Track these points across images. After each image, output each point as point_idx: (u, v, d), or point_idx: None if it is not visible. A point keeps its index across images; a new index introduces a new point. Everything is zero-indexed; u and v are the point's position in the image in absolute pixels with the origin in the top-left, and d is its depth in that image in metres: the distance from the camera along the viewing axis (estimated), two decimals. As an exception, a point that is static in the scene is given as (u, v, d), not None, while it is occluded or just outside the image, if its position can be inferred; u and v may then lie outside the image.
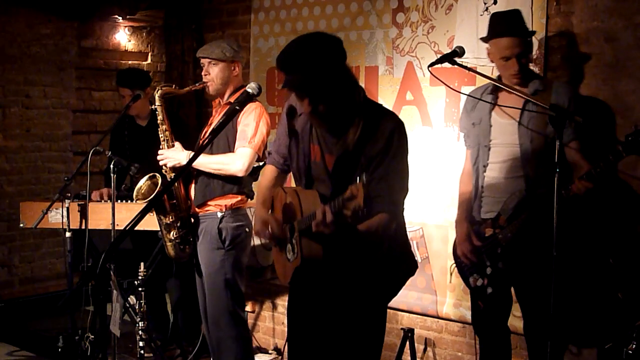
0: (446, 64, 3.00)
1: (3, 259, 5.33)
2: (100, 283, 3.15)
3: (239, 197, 3.67)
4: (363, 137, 2.47)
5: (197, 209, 3.70)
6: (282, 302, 4.74)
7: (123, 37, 5.86)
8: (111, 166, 3.85)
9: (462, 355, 3.96)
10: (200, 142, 3.71)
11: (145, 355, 3.83)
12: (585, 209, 3.24)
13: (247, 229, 3.68)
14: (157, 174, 3.72)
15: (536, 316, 3.15)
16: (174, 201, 3.65)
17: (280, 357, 4.64)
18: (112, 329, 3.46)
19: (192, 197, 3.71)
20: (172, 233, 3.68)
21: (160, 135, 3.74)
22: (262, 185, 2.89)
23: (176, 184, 3.63)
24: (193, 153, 3.27)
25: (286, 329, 2.95)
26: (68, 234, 4.09)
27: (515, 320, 3.49)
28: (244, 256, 3.74)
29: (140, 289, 3.81)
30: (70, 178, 4.08)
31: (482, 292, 3.24)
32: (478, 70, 3.39)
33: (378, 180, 2.47)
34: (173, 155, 3.67)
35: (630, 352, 2.90)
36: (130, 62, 5.78)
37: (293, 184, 2.80)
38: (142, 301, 3.80)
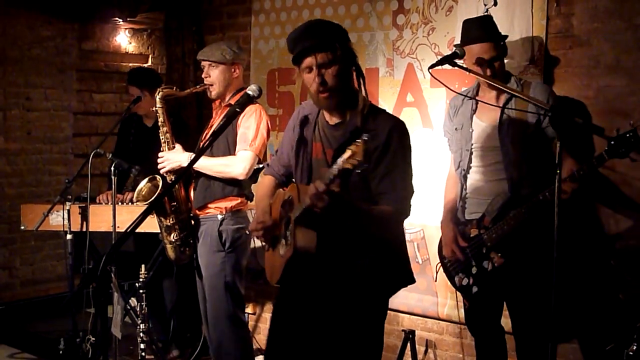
0: (446, 66, 3.00)
1: (4, 261, 5.33)
2: (101, 285, 3.16)
3: (239, 200, 3.68)
4: (362, 129, 2.47)
5: (197, 211, 3.70)
6: (283, 304, 4.72)
7: (124, 40, 5.87)
8: (112, 168, 3.85)
9: (463, 356, 3.96)
10: (201, 144, 3.71)
11: (147, 357, 3.83)
12: (575, 208, 3.26)
13: (247, 232, 3.68)
14: (158, 176, 3.72)
15: (522, 316, 3.19)
16: (175, 203, 3.65)
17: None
18: (113, 331, 3.46)
19: (192, 199, 3.71)
20: (172, 235, 3.68)
21: (161, 137, 3.74)
22: (260, 194, 2.91)
23: (176, 186, 3.64)
24: (194, 155, 3.27)
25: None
26: (69, 237, 4.09)
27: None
28: (244, 258, 3.74)
29: (141, 291, 3.81)
30: (71, 180, 4.09)
31: (467, 291, 3.29)
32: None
33: (380, 178, 2.49)
34: (174, 157, 3.67)
35: (631, 353, 2.89)
36: (130, 64, 5.77)
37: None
38: (143, 303, 3.80)
